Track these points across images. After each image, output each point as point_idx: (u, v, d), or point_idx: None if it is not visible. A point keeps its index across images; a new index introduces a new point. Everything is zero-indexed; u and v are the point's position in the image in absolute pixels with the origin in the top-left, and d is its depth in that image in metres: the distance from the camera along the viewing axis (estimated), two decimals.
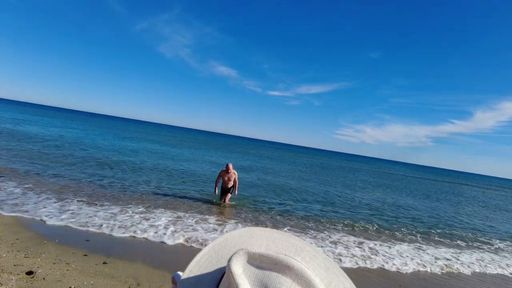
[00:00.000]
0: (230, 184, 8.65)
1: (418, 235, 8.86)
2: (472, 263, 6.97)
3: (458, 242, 8.88)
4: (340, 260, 5.81)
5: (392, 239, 8.03)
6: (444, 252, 7.50)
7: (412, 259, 6.53)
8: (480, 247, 8.72)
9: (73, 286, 3.48)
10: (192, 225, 6.46)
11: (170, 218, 6.67)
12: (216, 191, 8.69)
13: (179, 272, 0.81)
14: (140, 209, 7.02)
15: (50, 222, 5.51)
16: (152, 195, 8.61)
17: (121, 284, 3.71)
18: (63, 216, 5.84)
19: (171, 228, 6.03)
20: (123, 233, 5.49)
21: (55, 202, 6.60)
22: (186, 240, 5.59)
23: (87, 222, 5.75)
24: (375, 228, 8.90)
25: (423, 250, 7.35)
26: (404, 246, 7.44)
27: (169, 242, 5.40)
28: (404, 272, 5.78)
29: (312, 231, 7.49)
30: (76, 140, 20.99)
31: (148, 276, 4.03)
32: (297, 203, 10.79)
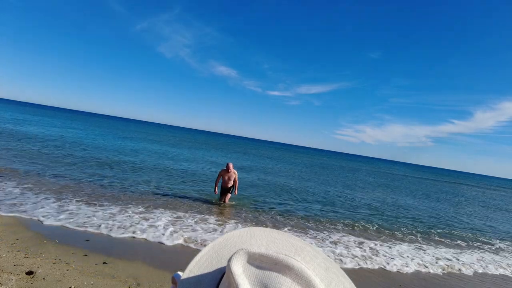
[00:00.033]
0: (230, 183, 8.65)
1: (418, 235, 8.86)
2: (473, 263, 6.97)
3: (458, 242, 8.88)
4: (340, 260, 5.81)
5: (392, 239, 8.03)
6: (444, 252, 7.50)
7: (413, 259, 6.53)
8: (481, 247, 8.72)
9: (73, 286, 3.48)
10: (192, 225, 6.46)
11: (170, 218, 6.67)
12: (216, 190, 8.69)
13: (179, 272, 0.81)
14: (140, 209, 7.02)
15: (49, 222, 5.51)
16: (152, 195, 8.61)
17: (121, 284, 3.71)
18: (62, 216, 5.84)
19: (171, 228, 6.03)
20: (123, 233, 5.49)
21: (54, 202, 6.59)
22: (186, 240, 5.59)
23: (87, 222, 5.75)
24: (375, 228, 8.90)
25: (424, 250, 7.35)
26: (404, 246, 7.44)
27: (169, 242, 5.40)
28: (405, 272, 5.78)
29: (312, 231, 7.49)
30: (76, 140, 20.99)
31: (148, 276, 4.03)
32: (297, 203, 10.79)
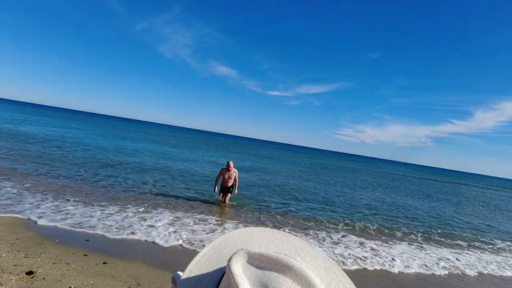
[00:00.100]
0: (230, 182, 8.65)
1: (419, 235, 8.86)
2: (473, 263, 6.97)
3: (459, 242, 8.88)
4: (341, 260, 5.81)
5: (392, 239, 8.02)
6: (444, 252, 7.50)
7: (413, 259, 6.53)
8: (481, 247, 8.72)
9: (73, 286, 3.48)
10: (192, 225, 6.46)
11: (170, 218, 6.67)
12: (216, 188, 8.70)
13: (179, 272, 0.81)
14: (140, 209, 7.02)
15: (48, 223, 5.50)
16: (152, 195, 8.61)
17: (121, 284, 3.71)
18: (61, 217, 5.83)
19: (171, 228, 6.03)
20: (123, 233, 5.49)
21: (53, 202, 6.59)
22: (186, 240, 5.59)
23: (86, 222, 5.75)
24: (375, 228, 8.90)
25: (424, 250, 7.36)
26: (404, 246, 7.44)
27: (169, 242, 5.40)
28: (405, 272, 5.78)
29: (312, 231, 7.49)
30: (76, 140, 20.99)
31: (148, 276, 4.03)
32: (298, 203, 10.79)
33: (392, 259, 6.31)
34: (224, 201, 8.76)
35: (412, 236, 8.70)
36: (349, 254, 6.21)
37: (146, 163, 14.80)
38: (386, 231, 8.76)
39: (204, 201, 8.80)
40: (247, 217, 7.88)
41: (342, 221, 9.06)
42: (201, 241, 5.66)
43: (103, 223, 5.78)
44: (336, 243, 6.81)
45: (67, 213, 6.03)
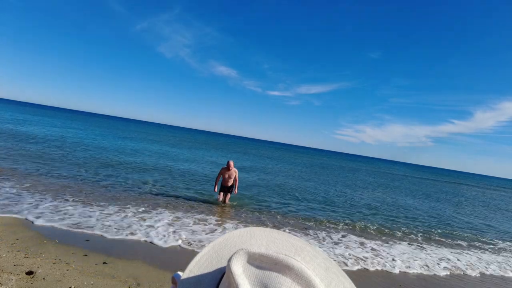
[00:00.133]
0: (230, 182, 8.65)
1: (419, 235, 8.86)
2: (473, 263, 6.97)
3: (459, 242, 8.88)
4: (341, 260, 5.81)
5: (392, 239, 8.02)
6: (444, 252, 7.50)
7: (413, 259, 6.53)
8: (481, 247, 8.72)
9: (73, 286, 3.48)
10: (192, 225, 6.46)
11: (170, 218, 6.67)
12: (216, 188, 8.70)
13: (179, 272, 0.81)
14: (140, 209, 7.02)
15: (46, 223, 5.50)
16: (152, 195, 8.61)
17: (121, 284, 3.71)
18: (60, 217, 5.83)
19: (171, 228, 6.03)
20: (123, 233, 5.49)
21: (52, 202, 6.58)
22: (186, 240, 5.59)
23: (85, 222, 5.74)
24: (375, 227, 8.90)
25: (424, 250, 7.35)
26: (404, 246, 7.44)
27: (169, 242, 5.40)
28: (405, 272, 5.78)
29: (312, 231, 7.49)
30: (76, 140, 21.00)
31: (148, 276, 4.03)
32: (298, 202, 10.79)
33: (393, 259, 6.31)
34: (224, 201, 8.75)
35: (412, 236, 8.70)
36: (349, 254, 6.21)
37: (146, 163, 14.80)
38: (386, 231, 8.76)
39: (204, 201, 8.80)
40: (247, 217, 7.88)
41: (342, 221, 9.06)
42: (200, 241, 5.66)
43: (102, 223, 5.77)
44: (336, 243, 6.81)
45: (65, 213, 6.02)
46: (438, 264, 6.48)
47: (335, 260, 5.62)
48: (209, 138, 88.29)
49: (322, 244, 6.65)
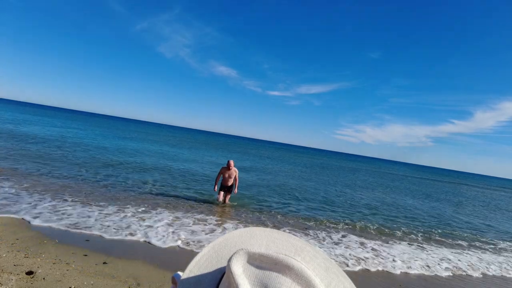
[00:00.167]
0: (230, 181, 8.64)
1: (419, 235, 8.86)
2: (474, 263, 6.97)
3: (459, 242, 8.88)
4: (342, 261, 5.81)
5: (392, 238, 8.02)
6: (445, 252, 7.49)
7: (413, 259, 6.53)
8: (481, 247, 8.72)
9: (73, 286, 3.48)
10: (191, 226, 6.46)
11: (170, 218, 6.66)
12: (216, 187, 8.69)
13: (179, 272, 0.81)
14: (139, 209, 7.02)
15: (44, 223, 5.49)
16: (152, 195, 8.61)
17: (121, 284, 3.71)
18: (58, 217, 5.82)
19: (171, 229, 6.03)
20: (123, 233, 5.49)
21: (51, 202, 6.58)
22: (186, 241, 5.59)
23: (83, 223, 5.74)
24: (375, 227, 8.89)
25: (424, 250, 7.35)
26: (404, 246, 7.43)
27: (169, 242, 5.39)
28: (405, 272, 5.78)
29: (312, 231, 7.49)
30: (76, 140, 21.00)
31: (148, 276, 4.03)
32: (298, 202, 10.79)
33: (393, 259, 6.30)
34: (224, 201, 8.75)
35: (412, 236, 8.69)
36: (350, 254, 6.20)
37: (146, 163, 14.80)
38: (386, 231, 8.76)
39: (204, 201, 8.79)
40: (247, 217, 7.88)
41: (342, 221, 9.05)
42: (200, 241, 5.65)
43: (101, 224, 5.77)
44: (336, 243, 6.81)
45: (63, 214, 6.00)
46: (439, 264, 6.48)
47: (335, 260, 5.62)
48: (209, 138, 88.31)
49: (322, 244, 6.65)
